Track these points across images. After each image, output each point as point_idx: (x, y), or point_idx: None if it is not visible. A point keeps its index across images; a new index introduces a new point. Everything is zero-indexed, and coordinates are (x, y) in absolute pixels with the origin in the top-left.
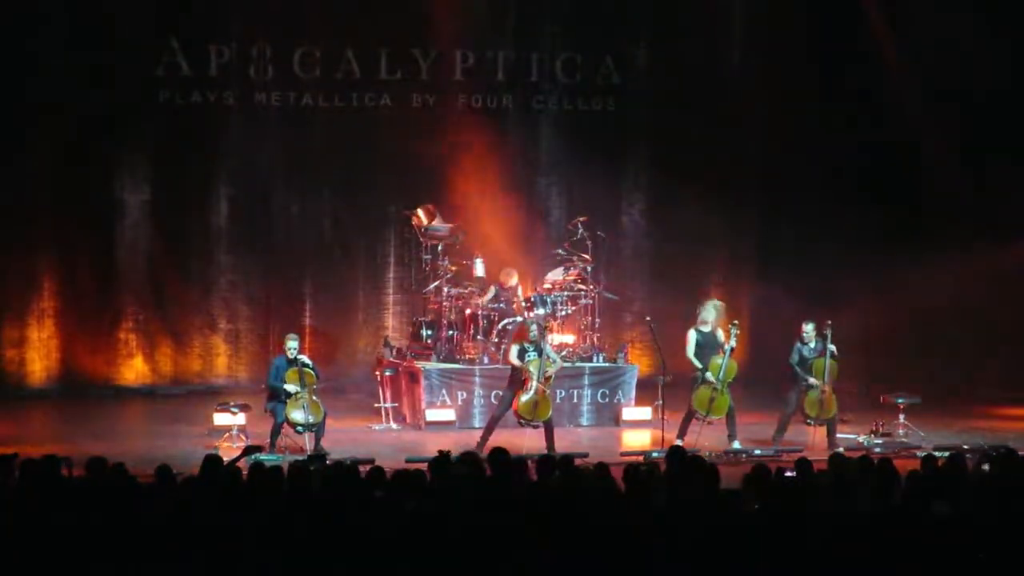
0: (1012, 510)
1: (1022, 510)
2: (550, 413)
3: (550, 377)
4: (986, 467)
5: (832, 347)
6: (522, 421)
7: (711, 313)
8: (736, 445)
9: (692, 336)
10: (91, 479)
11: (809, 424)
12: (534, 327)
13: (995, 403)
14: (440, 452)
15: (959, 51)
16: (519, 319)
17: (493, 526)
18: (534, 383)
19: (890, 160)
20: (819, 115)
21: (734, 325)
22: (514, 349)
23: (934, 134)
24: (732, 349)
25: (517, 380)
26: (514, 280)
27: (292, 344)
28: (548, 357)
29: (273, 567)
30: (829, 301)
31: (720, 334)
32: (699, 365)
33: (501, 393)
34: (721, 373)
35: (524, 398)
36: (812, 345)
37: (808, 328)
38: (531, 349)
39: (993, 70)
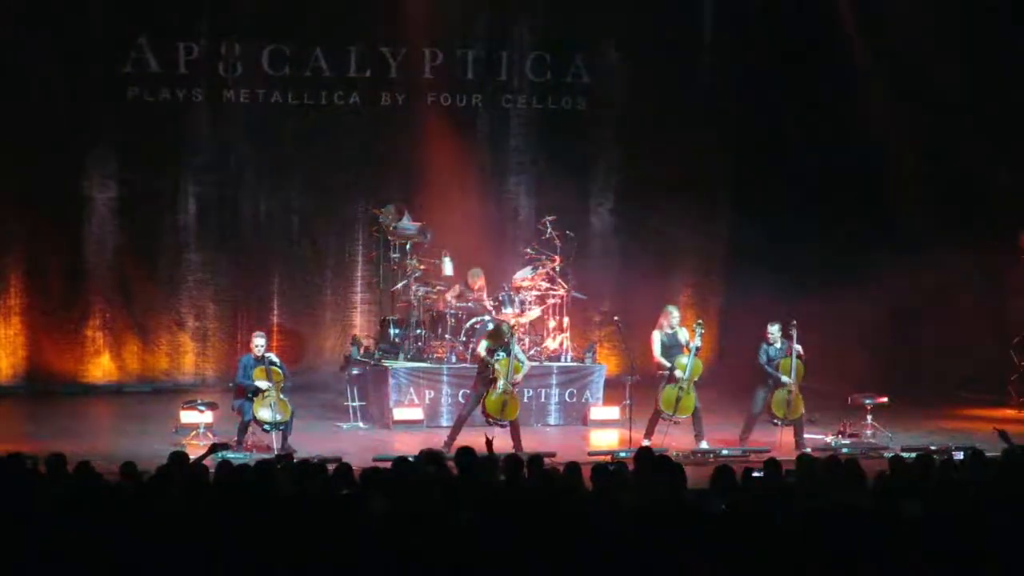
0: (981, 511)
1: (990, 511)
2: (518, 413)
3: (518, 376)
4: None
5: (798, 347)
6: (490, 420)
7: (675, 317)
8: (703, 445)
9: (657, 337)
10: (52, 476)
11: (776, 424)
12: (507, 330)
13: (963, 404)
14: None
15: (927, 51)
16: (486, 318)
17: (461, 525)
18: (502, 383)
19: (860, 160)
20: (789, 114)
21: (699, 324)
22: (483, 344)
23: (903, 135)
24: (698, 348)
25: (485, 379)
26: (480, 281)
27: (259, 342)
28: (516, 358)
29: (238, 565)
30: (799, 301)
31: (684, 333)
32: (668, 364)
33: (468, 392)
34: (687, 372)
35: (493, 396)
36: (778, 346)
37: (773, 329)
38: (500, 349)
39: (959, 69)
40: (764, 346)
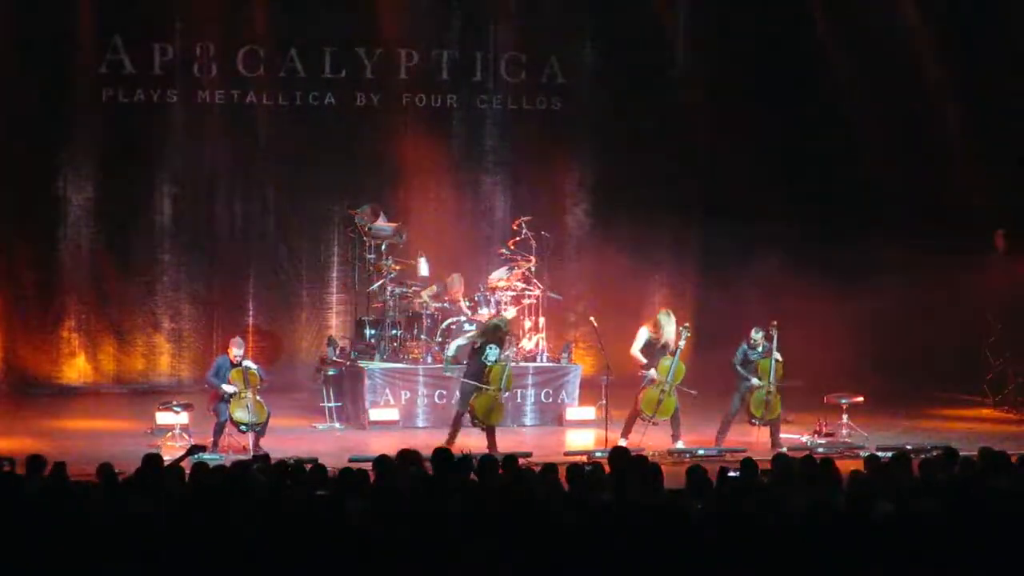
0: (956, 510)
1: (965, 510)
2: (501, 420)
3: (508, 388)
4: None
5: (777, 355)
6: (474, 421)
7: (664, 326)
8: (680, 445)
9: (642, 333)
10: (29, 478)
11: (754, 424)
12: (504, 325)
13: (939, 404)
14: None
15: (903, 51)
16: (463, 318)
17: (437, 526)
18: (494, 387)
19: (838, 160)
20: (765, 116)
21: (685, 327)
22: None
23: (881, 134)
24: (679, 350)
25: (478, 375)
26: (458, 286)
27: (236, 351)
28: (505, 362)
29: (215, 566)
30: (775, 301)
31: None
32: (643, 360)
33: (457, 391)
34: (670, 375)
35: (483, 398)
36: (760, 349)
37: (757, 336)
38: (491, 347)
39: (936, 69)
40: (744, 348)
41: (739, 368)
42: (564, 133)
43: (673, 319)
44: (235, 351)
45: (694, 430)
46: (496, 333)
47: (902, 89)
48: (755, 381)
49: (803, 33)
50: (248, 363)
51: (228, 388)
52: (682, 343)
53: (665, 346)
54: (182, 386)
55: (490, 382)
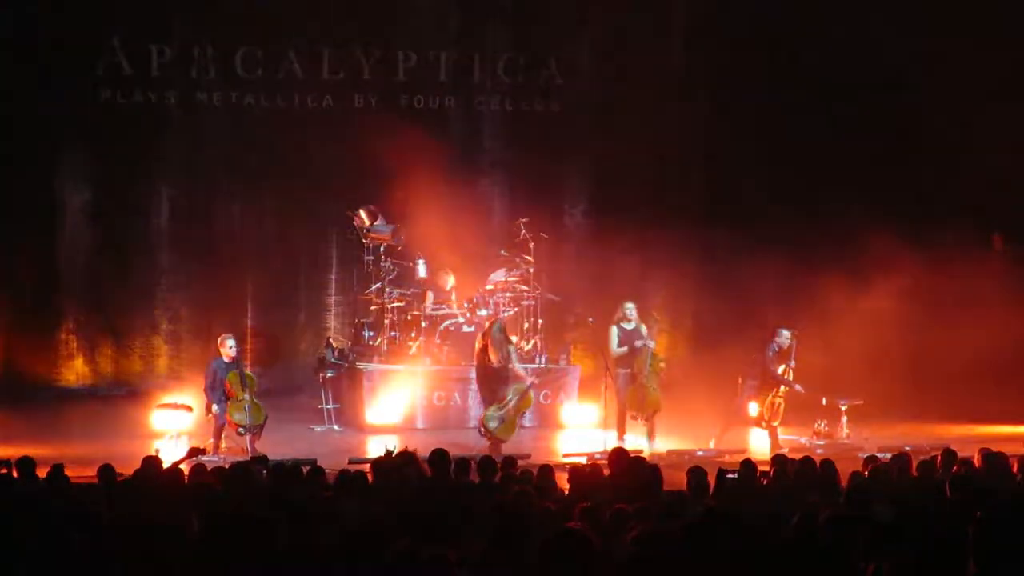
0: (957, 510)
1: (964, 510)
2: (510, 436)
3: (524, 409)
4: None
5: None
6: (481, 430)
7: (630, 311)
8: (655, 445)
9: (614, 332)
10: (23, 480)
11: (761, 427)
12: (500, 327)
13: (939, 406)
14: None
15: (903, 49)
16: (461, 320)
17: (435, 526)
18: (510, 404)
19: (837, 160)
20: (764, 115)
21: (653, 318)
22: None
23: (879, 137)
24: (652, 338)
25: (501, 380)
26: (451, 282)
27: (229, 350)
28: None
29: (214, 567)
30: (772, 301)
31: (645, 329)
32: (622, 351)
33: (478, 390)
34: (645, 368)
35: (494, 415)
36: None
37: (785, 336)
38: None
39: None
40: (774, 347)
41: (778, 375)
42: (562, 134)
43: (632, 304)
44: (228, 350)
45: (691, 430)
46: (496, 333)
47: (902, 88)
48: (798, 387)
49: (803, 32)
50: (245, 370)
51: (235, 390)
52: (653, 333)
53: (638, 328)
54: (180, 388)
55: (507, 396)
